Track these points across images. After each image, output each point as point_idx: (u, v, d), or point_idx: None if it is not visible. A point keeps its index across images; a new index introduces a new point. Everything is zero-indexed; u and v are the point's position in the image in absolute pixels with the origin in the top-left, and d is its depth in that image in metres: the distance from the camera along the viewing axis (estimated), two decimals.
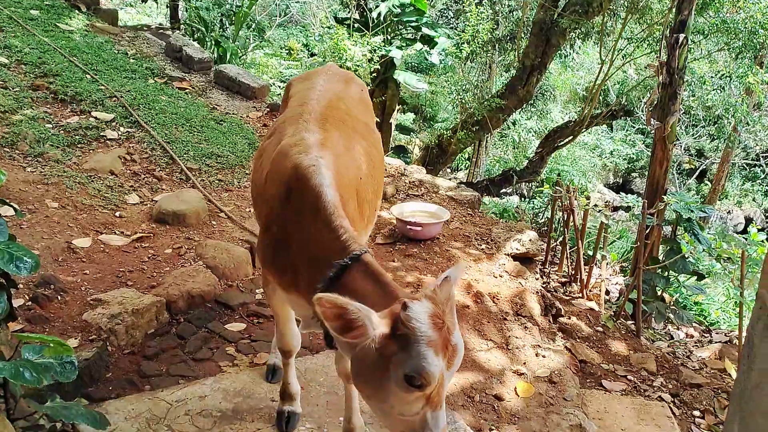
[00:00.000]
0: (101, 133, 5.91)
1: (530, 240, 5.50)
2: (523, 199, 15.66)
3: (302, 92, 3.12)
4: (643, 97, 10.79)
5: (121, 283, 4.15)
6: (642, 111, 11.20)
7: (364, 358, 1.90)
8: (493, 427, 3.62)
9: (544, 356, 4.41)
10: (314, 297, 1.80)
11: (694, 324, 7.20)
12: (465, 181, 13.22)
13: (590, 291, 5.76)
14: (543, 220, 8.20)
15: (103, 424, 2.07)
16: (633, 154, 20.52)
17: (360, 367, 1.96)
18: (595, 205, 6.23)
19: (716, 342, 6.30)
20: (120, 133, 6.01)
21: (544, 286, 5.52)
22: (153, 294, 4.03)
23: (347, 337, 1.85)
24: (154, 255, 4.54)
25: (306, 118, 2.75)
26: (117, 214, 4.92)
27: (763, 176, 18.87)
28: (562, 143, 10.76)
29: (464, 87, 11.83)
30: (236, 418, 3.29)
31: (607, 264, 6.58)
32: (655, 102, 7.10)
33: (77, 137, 5.75)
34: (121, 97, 6.55)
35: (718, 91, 11.42)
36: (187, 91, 7.40)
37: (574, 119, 11.03)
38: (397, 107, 11.04)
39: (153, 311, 3.89)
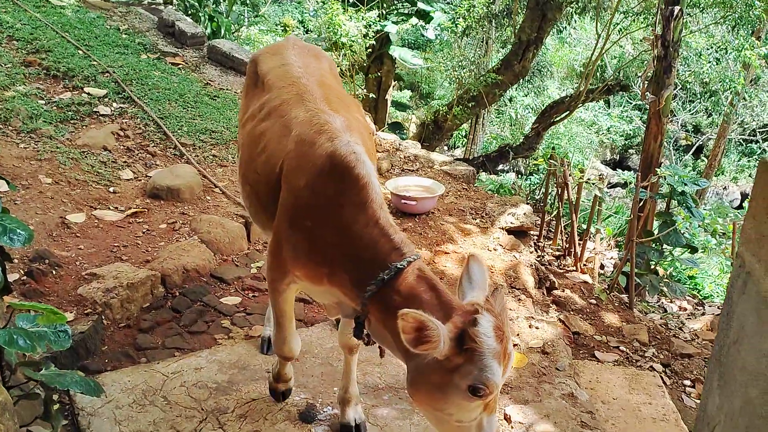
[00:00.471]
0: (94, 109, 5.88)
1: (524, 214, 5.52)
2: (520, 176, 15.66)
3: (279, 69, 2.98)
4: (640, 72, 10.75)
5: (115, 258, 4.17)
6: (638, 86, 11.17)
7: (426, 368, 1.95)
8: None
9: (537, 328, 4.45)
10: (400, 312, 1.81)
11: (687, 297, 7.26)
12: (462, 157, 13.20)
13: (584, 264, 5.79)
14: (539, 196, 8.22)
15: (97, 391, 2.10)
16: (630, 130, 20.48)
17: (420, 376, 1.99)
18: (588, 180, 6.24)
19: (708, 314, 6.36)
20: (113, 108, 5.98)
21: (538, 259, 5.55)
22: (148, 268, 4.05)
23: (419, 350, 1.86)
24: (148, 230, 4.55)
25: (310, 99, 2.63)
26: (111, 189, 4.92)
27: (759, 152, 18.88)
28: (558, 119, 10.74)
29: (461, 63, 11.76)
30: (232, 389, 3.33)
31: (601, 238, 6.61)
32: (651, 76, 7.08)
33: (70, 113, 5.73)
34: (114, 72, 6.52)
35: (714, 65, 11.38)
36: (180, 66, 7.35)
37: (570, 95, 10.98)
38: (393, 83, 10.99)
39: (148, 285, 3.91)
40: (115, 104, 6.07)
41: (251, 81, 3.19)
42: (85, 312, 3.58)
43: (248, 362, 3.53)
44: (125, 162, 5.34)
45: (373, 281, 2.11)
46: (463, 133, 17.32)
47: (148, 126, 5.87)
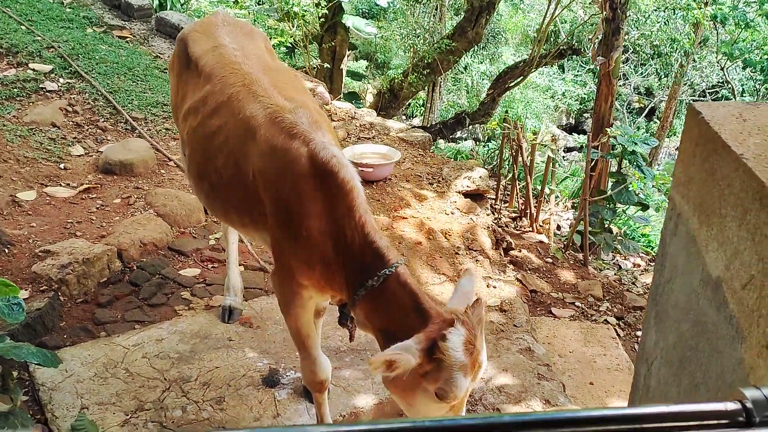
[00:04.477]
0: (40, 85, 5.72)
1: (480, 177, 5.60)
2: (477, 142, 15.77)
3: (214, 54, 2.81)
4: (591, 36, 10.88)
5: (69, 234, 4.11)
6: (589, 49, 11.31)
7: None
8: None
9: (495, 287, 4.56)
10: (368, 362, 1.90)
11: (640, 254, 7.48)
12: (419, 125, 13.23)
13: (540, 225, 5.92)
14: (496, 161, 8.32)
15: (55, 362, 2.10)
16: (584, 94, 20.73)
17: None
18: (541, 142, 6.34)
19: None
20: (60, 84, 5.82)
21: (495, 221, 5.66)
22: (103, 243, 4.00)
23: (393, 374, 1.94)
24: (102, 205, 4.49)
25: (261, 91, 2.51)
26: (62, 166, 4.82)
27: None
28: (512, 84, 10.82)
29: (415, 31, 11.72)
30: (194, 358, 3.35)
31: (556, 199, 6.75)
32: (600, 38, 7.18)
33: (15, 90, 5.56)
34: (59, 47, 6.32)
35: (663, 26, 11.57)
36: (127, 39, 7.16)
37: (524, 60, 11.07)
38: (348, 53, 10.90)
39: (104, 260, 3.88)
40: (61, 80, 5.90)
41: (181, 62, 2.99)
42: (41, 289, 3.54)
43: (210, 331, 3.55)
44: (75, 138, 5.22)
45: (363, 287, 2.18)
46: (421, 102, 17.31)
47: (97, 101, 5.74)
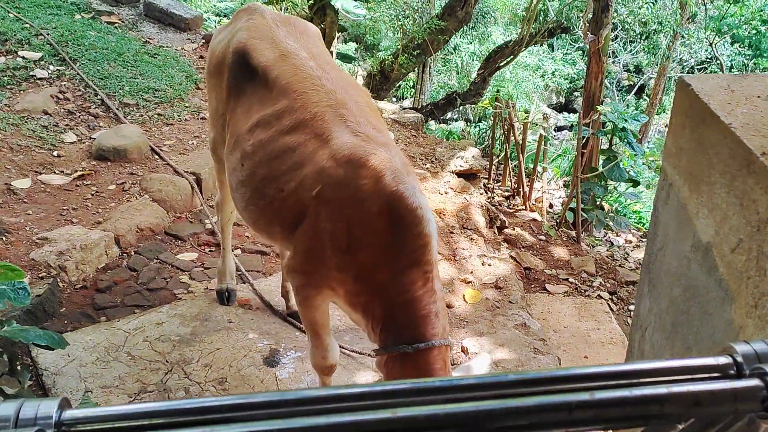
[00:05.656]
0: (30, 73, 5.69)
1: (473, 156, 5.63)
2: (468, 123, 15.78)
3: (287, 65, 2.65)
4: (580, 14, 10.88)
5: (66, 221, 4.12)
6: (579, 28, 11.31)
7: None
8: None
9: (490, 265, 4.62)
10: None
11: (632, 230, 7.56)
12: (411, 106, 13.22)
13: (533, 203, 5.97)
14: (488, 142, 8.35)
15: (62, 343, 2.13)
16: (574, 73, 20.76)
17: None
18: (532, 121, 6.37)
19: None
20: (50, 71, 5.80)
21: (488, 200, 5.70)
22: (100, 229, 4.02)
23: None
24: (97, 192, 4.50)
25: (349, 116, 2.39)
26: (55, 153, 4.82)
27: None
28: (503, 63, 10.82)
29: (404, 12, 11.66)
30: (195, 340, 3.39)
31: (549, 178, 6.80)
32: (591, 17, 7.20)
33: (5, 78, 5.53)
34: (48, 34, 6.28)
35: (652, 4, 11.58)
36: (116, 25, 7.12)
37: (514, 39, 11.06)
38: (337, 35, 10.85)
39: (102, 246, 3.90)
40: (51, 67, 5.87)
41: (241, 72, 2.81)
42: (40, 276, 3.56)
43: (210, 314, 3.59)
44: (67, 125, 5.22)
45: (403, 345, 2.14)
46: (411, 84, 17.29)
47: (88, 87, 5.72)
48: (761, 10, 15.66)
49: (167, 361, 3.22)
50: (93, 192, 4.48)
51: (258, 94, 2.70)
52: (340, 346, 3.05)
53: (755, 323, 1.15)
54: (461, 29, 11.97)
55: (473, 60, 18.11)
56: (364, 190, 2.18)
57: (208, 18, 11.06)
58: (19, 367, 2.20)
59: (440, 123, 13.11)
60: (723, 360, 0.79)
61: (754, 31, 16.78)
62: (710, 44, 13.14)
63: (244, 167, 2.65)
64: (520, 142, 5.83)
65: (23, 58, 5.86)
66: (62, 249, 3.72)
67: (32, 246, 3.77)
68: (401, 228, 2.14)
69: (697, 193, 1.38)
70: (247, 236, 4.40)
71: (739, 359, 0.78)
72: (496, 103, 5.96)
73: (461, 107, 13.13)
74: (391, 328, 2.20)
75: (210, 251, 4.21)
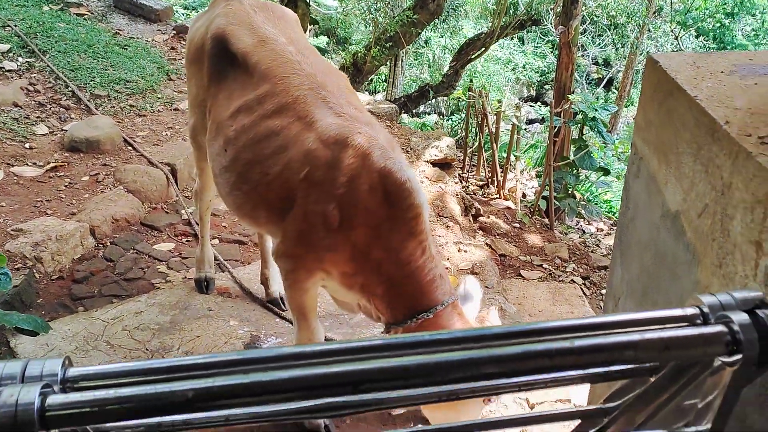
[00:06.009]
0: None
1: (447, 146, 5.70)
2: (441, 116, 15.87)
3: (266, 50, 2.66)
4: (549, 7, 11.03)
5: (40, 213, 4.09)
6: (549, 21, 11.46)
7: None
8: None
9: (466, 251, 4.69)
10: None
11: (603, 218, 7.71)
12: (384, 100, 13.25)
13: (506, 192, 6.07)
14: (462, 134, 8.43)
15: (45, 327, 2.13)
16: (544, 66, 20.98)
17: None
18: (504, 111, 6.46)
19: None
20: (19, 63, 5.72)
21: (463, 189, 5.78)
22: (75, 220, 4.00)
23: None
24: (71, 183, 4.46)
25: (331, 98, 2.43)
26: (27, 145, 4.76)
27: None
28: (474, 56, 10.92)
29: (376, 5, 11.70)
30: (175, 328, 3.40)
31: (522, 168, 6.90)
32: (561, 8, 7.32)
33: None
34: (16, 26, 6.19)
35: None
36: (85, 16, 7.04)
37: (485, 32, 11.17)
38: (309, 28, 10.84)
39: (77, 237, 3.88)
40: (20, 59, 5.79)
41: (220, 59, 2.81)
42: (16, 267, 3.53)
43: (189, 303, 3.59)
44: (38, 117, 5.16)
45: (413, 317, 2.21)
46: (383, 78, 17.32)
47: (59, 79, 5.66)
48: (725, 4, 16.04)
49: (147, 349, 3.22)
50: (66, 183, 4.45)
51: (239, 80, 2.72)
52: None
53: (720, 281, 1.22)
54: (432, 22, 12.03)
55: (445, 53, 18.19)
56: (353, 169, 2.21)
57: (177, 11, 10.95)
58: (3, 350, 2.20)
59: (413, 116, 13.20)
60: (691, 311, 0.85)
61: (718, 24, 17.17)
62: (676, 37, 13.41)
63: (227, 153, 2.65)
64: (494, 131, 5.91)
65: None
66: (37, 240, 3.69)
67: (7, 237, 3.74)
68: (393, 202, 2.19)
69: (666, 164, 1.45)
70: (224, 226, 4.41)
71: (706, 309, 0.84)
72: (470, 93, 6.03)
73: (434, 100, 13.23)
74: (399, 302, 2.25)
75: (187, 241, 4.21)
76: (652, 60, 1.56)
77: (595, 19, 15.00)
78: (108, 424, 0.76)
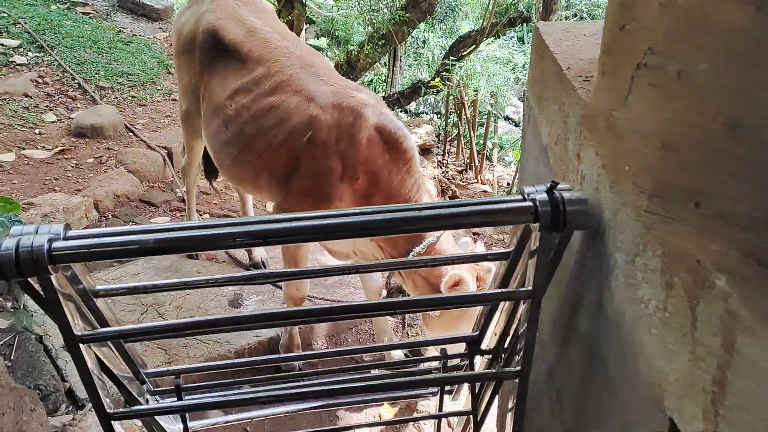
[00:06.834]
0: (10, 59, 6.02)
1: (426, 133, 6.07)
2: (439, 116, 16.21)
3: (255, 39, 3.03)
4: (532, 2, 11.39)
5: (48, 189, 4.49)
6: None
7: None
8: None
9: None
10: (445, 282, 2.48)
11: None
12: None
13: (484, 176, 6.43)
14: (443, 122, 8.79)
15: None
16: None
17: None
18: (480, 99, 6.82)
19: None
20: (29, 58, 6.13)
21: (443, 174, 6.15)
22: (81, 196, 4.40)
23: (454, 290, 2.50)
24: (77, 164, 4.87)
25: (322, 73, 2.81)
26: (36, 131, 5.17)
27: None
28: (466, 52, 11.27)
29: (373, 7, 12.08)
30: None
31: (499, 154, 7.26)
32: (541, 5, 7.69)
33: None
34: (26, 23, 6.61)
35: None
36: (91, 15, 7.46)
37: (476, 29, 11.54)
38: (306, 27, 11.24)
39: (82, 209, 4.28)
40: (30, 53, 6.21)
41: (212, 49, 3.16)
42: None
43: (180, 266, 3.99)
44: (47, 106, 5.57)
45: (416, 247, 2.60)
46: (383, 78, 17.69)
47: (66, 72, 6.07)
48: None
49: (143, 304, 3.61)
50: (73, 165, 4.85)
51: (232, 67, 3.09)
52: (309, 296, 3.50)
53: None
54: (430, 23, 12.40)
55: (443, 53, 18.52)
56: (351, 126, 2.61)
57: (176, 11, 11.37)
58: (16, 288, 2.59)
59: (409, 115, 13.54)
60: (518, 196, 1.23)
61: None
62: None
63: (228, 129, 3.02)
64: (471, 119, 6.28)
65: (2, 45, 6.19)
66: (46, 212, 4.09)
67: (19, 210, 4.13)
68: (388, 149, 2.59)
69: (541, 108, 1.83)
70: (215, 203, 4.80)
71: (525, 194, 1.22)
72: (447, 82, 6.40)
73: (433, 100, 13.57)
74: (401, 237, 2.62)
75: (181, 215, 4.61)
76: (537, 28, 1.94)
77: (578, 13, 15.34)
78: (105, 286, 1.15)
